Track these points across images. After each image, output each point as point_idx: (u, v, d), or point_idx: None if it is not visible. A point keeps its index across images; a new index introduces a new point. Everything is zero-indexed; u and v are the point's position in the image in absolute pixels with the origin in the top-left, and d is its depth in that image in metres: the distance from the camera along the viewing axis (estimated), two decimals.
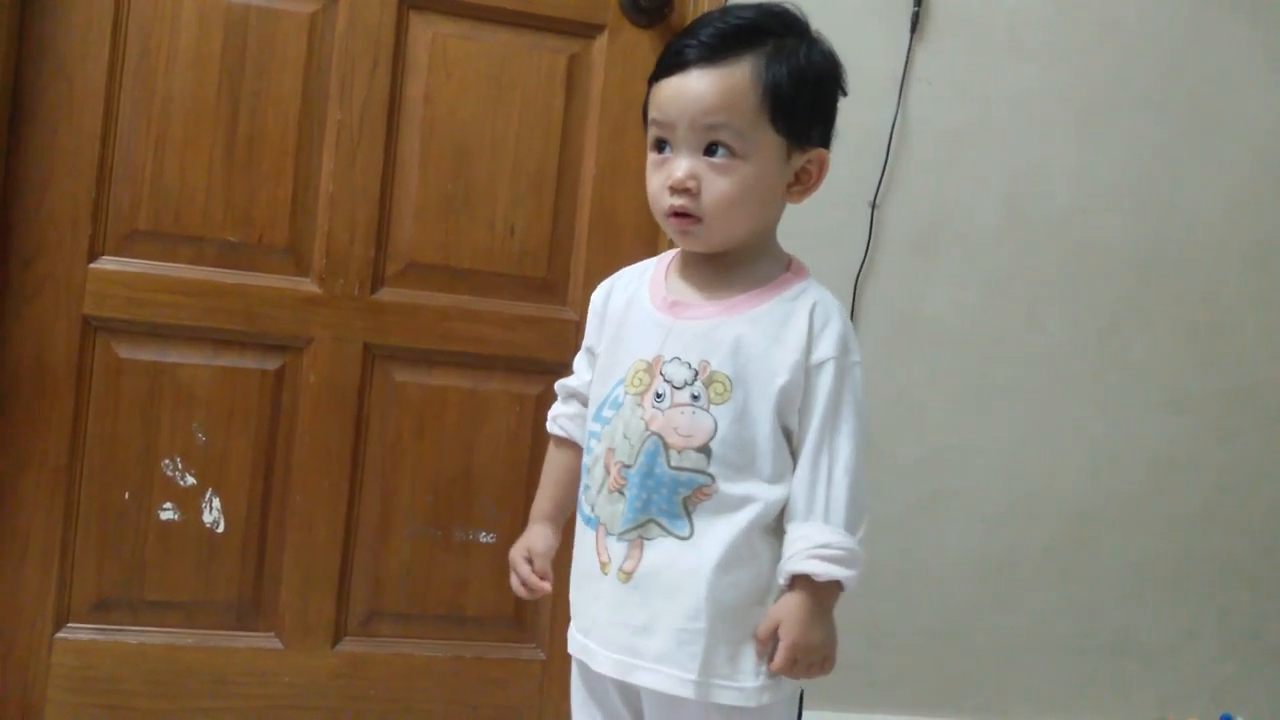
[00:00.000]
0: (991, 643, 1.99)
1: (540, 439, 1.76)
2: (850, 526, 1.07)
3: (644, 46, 1.79)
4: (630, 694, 1.14)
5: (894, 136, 1.87)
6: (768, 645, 1.07)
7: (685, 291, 1.13)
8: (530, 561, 1.22)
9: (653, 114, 1.09)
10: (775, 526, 1.09)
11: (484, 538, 1.80)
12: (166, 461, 1.70)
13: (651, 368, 1.09)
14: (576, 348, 1.26)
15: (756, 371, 1.07)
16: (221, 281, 1.69)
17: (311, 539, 1.75)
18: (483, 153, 1.76)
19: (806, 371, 1.07)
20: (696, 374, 1.07)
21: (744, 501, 1.07)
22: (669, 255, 1.20)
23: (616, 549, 1.09)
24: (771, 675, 1.08)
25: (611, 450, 1.10)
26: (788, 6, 1.11)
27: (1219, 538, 2.06)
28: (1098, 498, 2.01)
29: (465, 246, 1.77)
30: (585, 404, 1.21)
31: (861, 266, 1.87)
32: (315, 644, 1.76)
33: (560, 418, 1.26)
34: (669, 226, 1.10)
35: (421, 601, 1.79)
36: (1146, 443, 2.02)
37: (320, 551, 1.75)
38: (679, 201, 1.06)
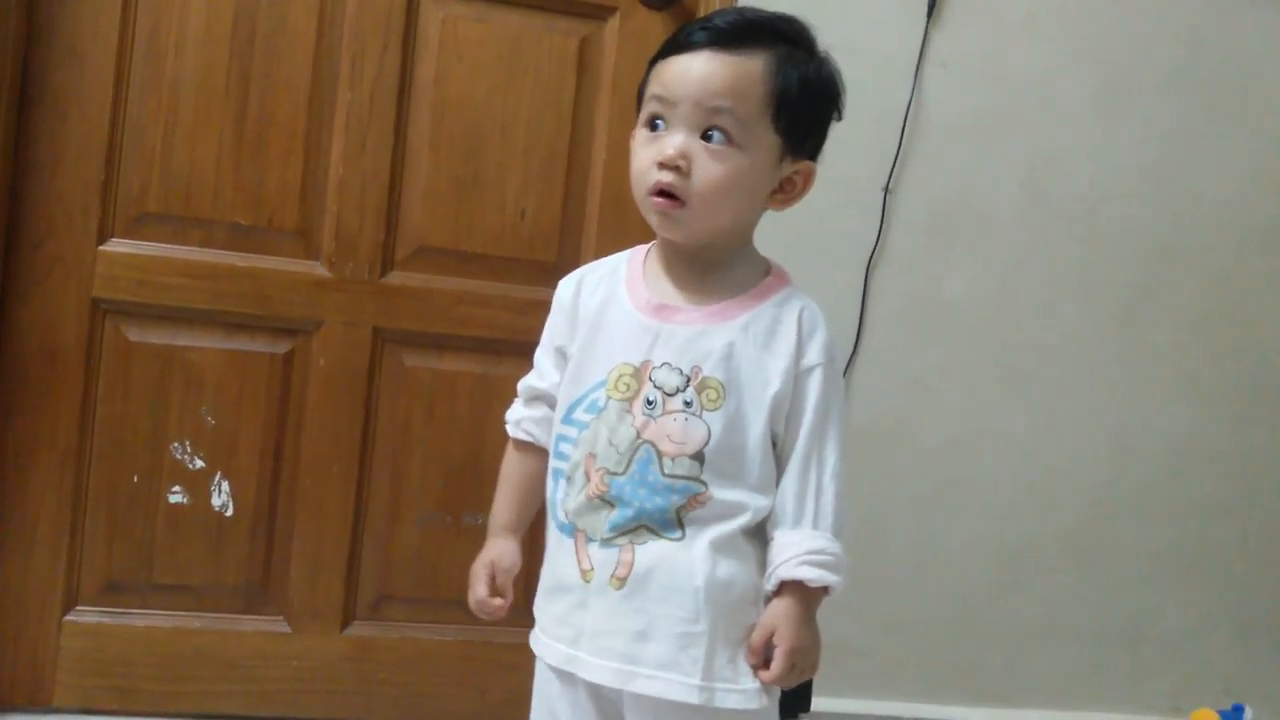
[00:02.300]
0: (1006, 630, 1.97)
1: None
2: (837, 532, 1.07)
3: (656, 29, 1.78)
4: (606, 702, 1.10)
5: (908, 120, 1.85)
6: (760, 654, 1.05)
7: (669, 294, 1.11)
8: (493, 578, 1.17)
9: (654, 89, 1.07)
10: (757, 532, 1.09)
11: None
12: (176, 445, 1.70)
13: (639, 373, 1.07)
14: None
15: (749, 378, 1.06)
16: (231, 264, 1.68)
17: (320, 523, 1.74)
18: (493, 136, 1.75)
19: (796, 377, 1.07)
20: (688, 380, 1.06)
21: (735, 509, 1.06)
22: (640, 252, 1.17)
23: (601, 556, 1.06)
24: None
25: (593, 456, 1.07)
26: (802, 21, 1.10)
27: (1235, 526, 2.04)
28: (1114, 485, 1.99)
29: (475, 230, 1.76)
30: (553, 407, 1.16)
31: (873, 251, 1.85)
32: (324, 628, 1.76)
33: (525, 421, 1.20)
34: (649, 208, 1.07)
35: (430, 586, 1.79)
36: (1163, 430, 2.00)
37: (329, 535, 1.75)
38: (666, 178, 1.04)
